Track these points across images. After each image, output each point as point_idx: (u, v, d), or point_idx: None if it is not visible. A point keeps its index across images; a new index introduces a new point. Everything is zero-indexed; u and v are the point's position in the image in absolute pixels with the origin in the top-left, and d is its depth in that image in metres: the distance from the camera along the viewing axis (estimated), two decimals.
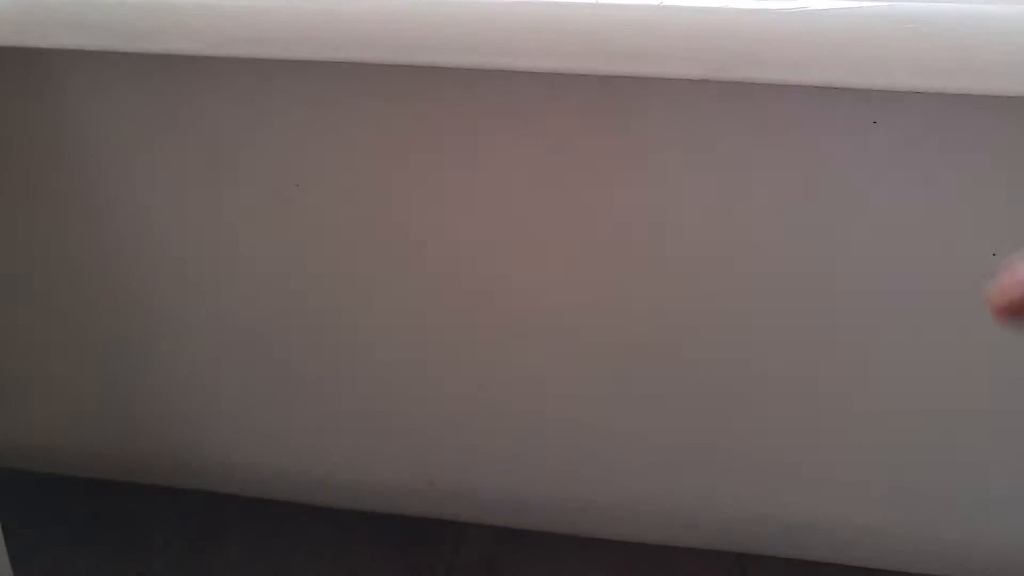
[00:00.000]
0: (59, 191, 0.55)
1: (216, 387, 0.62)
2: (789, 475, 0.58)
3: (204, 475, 0.68)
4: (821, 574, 0.62)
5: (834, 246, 0.49)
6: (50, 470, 0.71)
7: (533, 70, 0.42)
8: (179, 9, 0.43)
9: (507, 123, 0.48)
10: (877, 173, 0.46)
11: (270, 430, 0.63)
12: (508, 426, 0.59)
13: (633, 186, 0.49)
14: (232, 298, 0.57)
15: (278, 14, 0.43)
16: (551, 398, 0.58)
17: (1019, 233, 0.47)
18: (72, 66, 0.50)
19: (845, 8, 0.40)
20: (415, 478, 0.63)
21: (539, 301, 0.54)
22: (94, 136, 0.52)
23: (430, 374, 0.58)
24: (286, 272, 0.55)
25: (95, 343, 0.61)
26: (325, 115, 0.49)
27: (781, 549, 0.62)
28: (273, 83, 0.49)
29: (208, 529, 0.67)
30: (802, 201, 0.48)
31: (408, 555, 0.65)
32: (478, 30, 0.42)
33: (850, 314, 0.51)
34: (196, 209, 0.54)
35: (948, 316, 0.50)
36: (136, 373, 0.62)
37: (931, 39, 0.38)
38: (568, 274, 0.53)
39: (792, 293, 0.51)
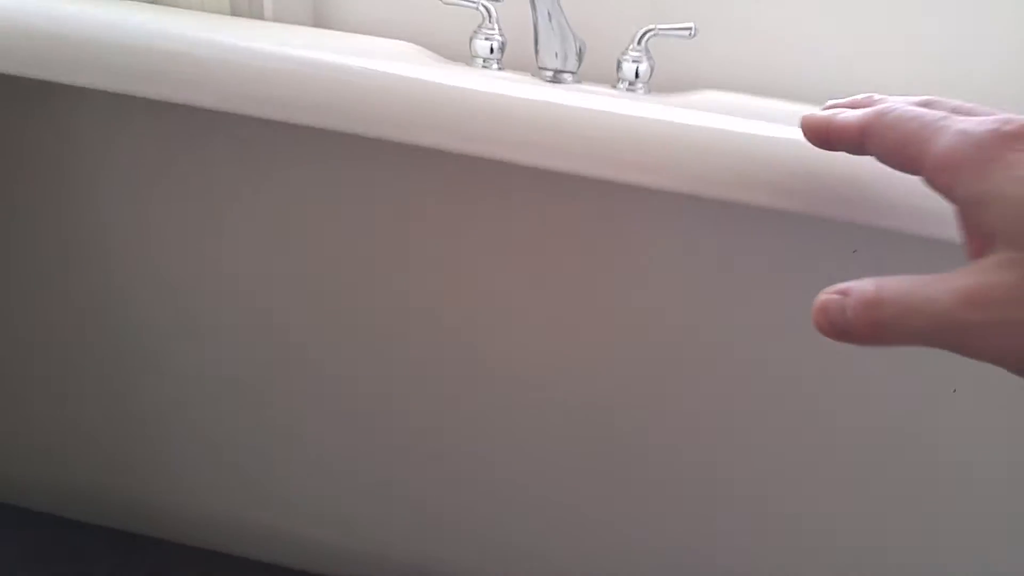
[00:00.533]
0: (59, 221, 0.56)
1: (190, 434, 0.62)
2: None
3: (158, 522, 0.67)
4: None
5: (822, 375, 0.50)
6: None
7: (533, 166, 0.44)
8: (199, 62, 0.45)
9: (503, 210, 0.49)
10: None
11: (236, 482, 0.62)
12: (483, 505, 0.59)
13: (622, 292, 0.50)
14: (217, 348, 0.57)
15: (292, 79, 0.44)
16: (527, 480, 0.58)
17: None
18: (85, 103, 0.51)
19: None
20: (375, 545, 0.63)
21: (525, 383, 0.54)
22: (99, 172, 0.53)
23: (410, 439, 0.58)
24: (276, 326, 0.56)
25: (76, 377, 0.61)
26: (329, 180, 0.50)
27: None
28: (279, 141, 0.50)
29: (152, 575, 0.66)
30: (793, 329, 0.49)
31: None
32: (483, 120, 0.43)
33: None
34: (195, 254, 0.55)
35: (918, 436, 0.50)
36: (114, 412, 0.62)
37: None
38: (556, 361, 0.53)
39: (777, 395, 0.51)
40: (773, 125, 0.43)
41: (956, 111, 0.29)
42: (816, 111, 0.34)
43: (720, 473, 0.55)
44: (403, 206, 0.51)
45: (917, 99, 0.30)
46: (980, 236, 0.26)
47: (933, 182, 0.28)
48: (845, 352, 0.49)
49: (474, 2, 0.71)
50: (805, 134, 0.34)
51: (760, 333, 0.50)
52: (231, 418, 0.60)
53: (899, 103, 0.30)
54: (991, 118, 0.27)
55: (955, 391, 0.49)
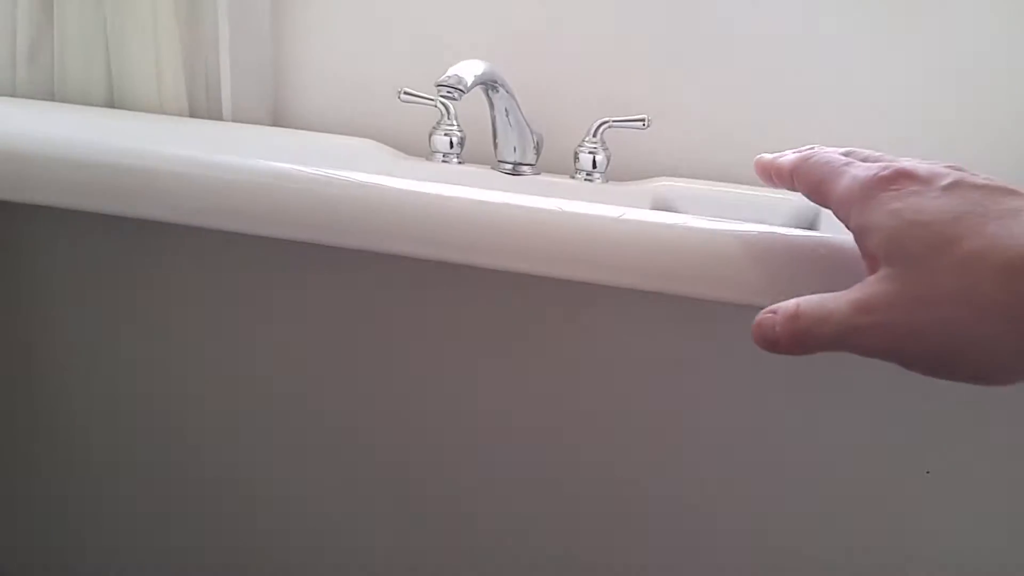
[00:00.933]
0: (15, 340, 0.54)
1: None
2: None
3: None
4: None
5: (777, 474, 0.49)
6: None
7: (491, 268, 0.43)
8: (157, 176, 0.44)
9: (462, 313, 0.49)
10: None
11: None
12: None
13: (580, 382, 0.50)
14: (182, 454, 0.55)
15: (253, 193, 0.44)
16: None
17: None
18: (41, 220, 0.50)
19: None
20: None
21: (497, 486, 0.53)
22: (57, 289, 0.52)
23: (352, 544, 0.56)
24: (243, 431, 0.54)
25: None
26: (286, 288, 0.50)
27: None
28: (239, 252, 0.49)
29: None
30: (744, 417, 0.49)
31: None
32: (435, 225, 0.43)
33: None
34: (156, 364, 0.53)
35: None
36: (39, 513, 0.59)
37: None
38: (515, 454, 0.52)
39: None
40: (721, 222, 0.43)
41: (866, 159, 0.35)
42: (766, 154, 0.40)
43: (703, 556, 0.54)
44: (367, 310, 0.50)
45: (841, 150, 0.37)
46: (869, 257, 0.32)
47: (836, 215, 0.34)
48: (815, 438, 0.50)
49: (432, 99, 0.73)
50: (756, 172, 0.41)
51: (736, 429, 0.50)
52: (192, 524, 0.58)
53: (821, 150, 0.37)
54: (876, 164, 0.33)
55: (928, 472, 0.49)
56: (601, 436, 0.51)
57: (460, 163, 0.74)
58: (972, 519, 0.48)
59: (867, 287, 0.30)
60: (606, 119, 0.73)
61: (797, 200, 0.55)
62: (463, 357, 0.51)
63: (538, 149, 0.74)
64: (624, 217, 0.43)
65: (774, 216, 0.72)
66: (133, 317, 0.53)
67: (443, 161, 0.74)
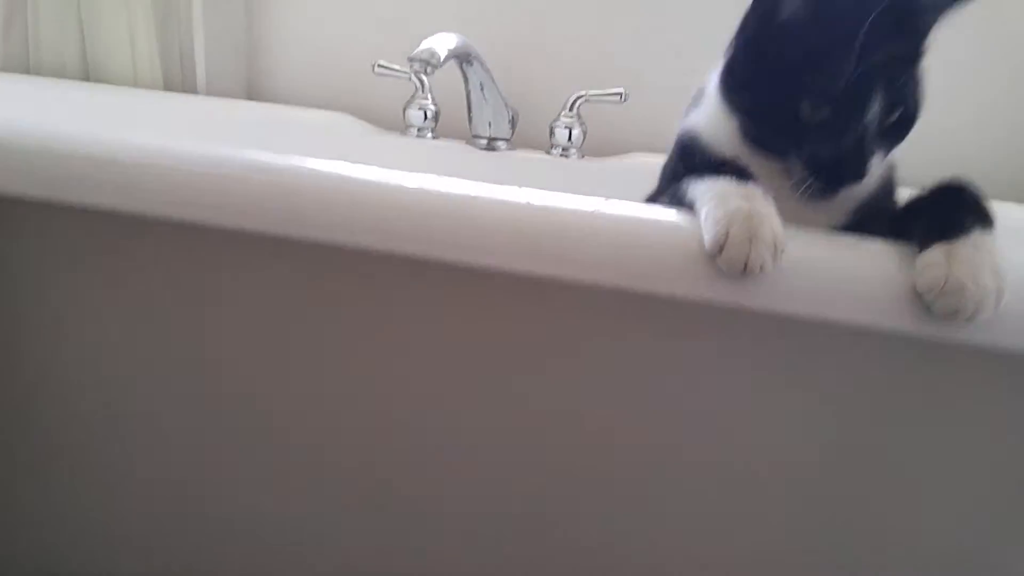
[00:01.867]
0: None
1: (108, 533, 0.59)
2: None
3: None
4: None
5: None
6: None
7: (457, 263, 0.43)
8: (126, 168, 0.44)
9: (417, 308, 0.48)
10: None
11: None
12: None
13: (547, 375, 0.49)
14: (149, 435, 0.55)
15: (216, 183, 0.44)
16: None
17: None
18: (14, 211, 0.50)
19: None
20: None
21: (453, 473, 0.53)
22: (33, 278, 0.52)
23: (319, 528, 0.56)
24: (208, 413, 0.54)
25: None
26: (243, 280, 0.49)
27: None
28: (198, 241, 0.49)
29: None
30: (706, 402, 0.48)
31: None
32: (391, 218, 0.43)
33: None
34: (124, 353, 0.53)
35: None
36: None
37: None
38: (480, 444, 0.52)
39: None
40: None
41: None
42: None
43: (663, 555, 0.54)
44: (324, 303, 0.49)
45: None
46: None
47: None
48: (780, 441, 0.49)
49: (406, 73, 0.72)
50: None
51: (700, 421, 0.49)
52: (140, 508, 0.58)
53: None
54: None
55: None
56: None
57: (434, 138, 0.74)
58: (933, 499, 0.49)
59: None
60: (582, 93, 0.72)
61: None
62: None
63: (513, 124, 0.73)
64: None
65: None
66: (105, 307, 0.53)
67: (417, 136, 0.73)
